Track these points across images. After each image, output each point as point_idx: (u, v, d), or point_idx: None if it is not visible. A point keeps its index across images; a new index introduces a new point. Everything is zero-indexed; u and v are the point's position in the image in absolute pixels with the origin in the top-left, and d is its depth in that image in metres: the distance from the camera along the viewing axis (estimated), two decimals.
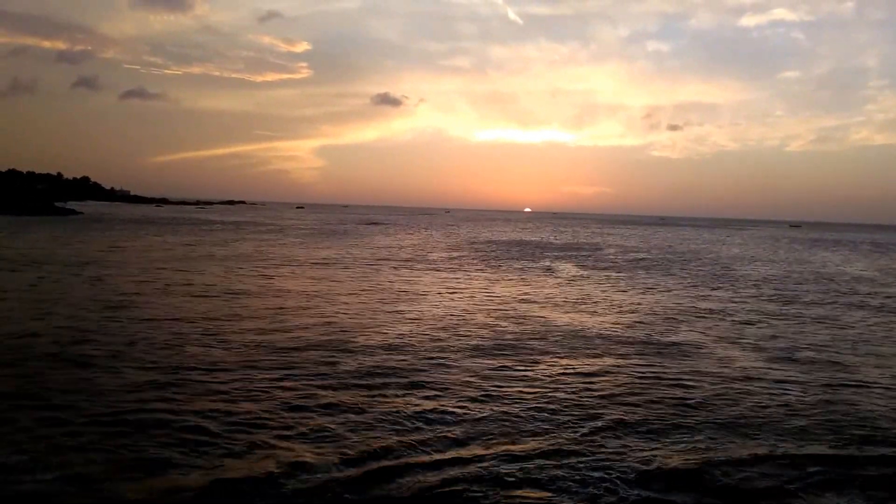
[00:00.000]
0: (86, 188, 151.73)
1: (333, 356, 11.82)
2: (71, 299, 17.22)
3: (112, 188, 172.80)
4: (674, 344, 14.27)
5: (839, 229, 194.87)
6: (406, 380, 10.42)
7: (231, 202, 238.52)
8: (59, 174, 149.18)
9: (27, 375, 9.85)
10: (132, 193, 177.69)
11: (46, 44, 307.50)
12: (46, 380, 9.66)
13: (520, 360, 12.13)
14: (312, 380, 10.22)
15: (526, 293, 22.59)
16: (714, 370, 11.85)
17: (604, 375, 11.24)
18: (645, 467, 7.15)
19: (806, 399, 10.17)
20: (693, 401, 9.80)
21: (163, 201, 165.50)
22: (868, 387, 11.07)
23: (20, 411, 8.18)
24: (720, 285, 27.43)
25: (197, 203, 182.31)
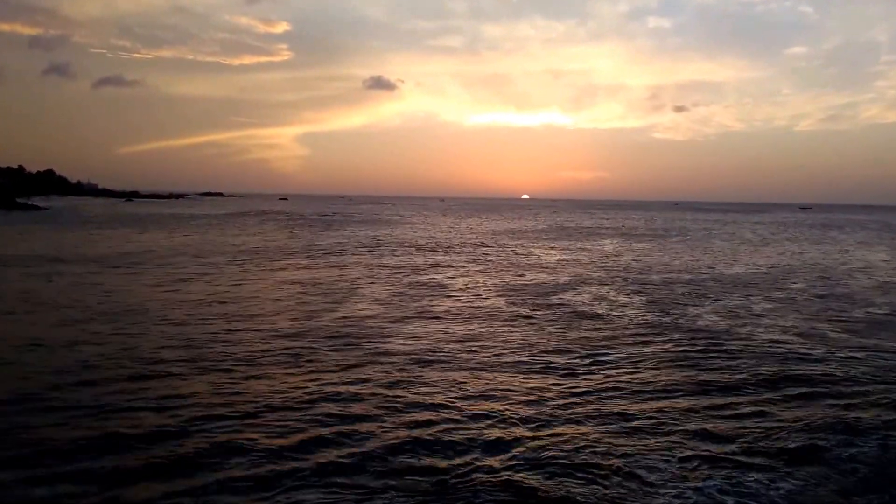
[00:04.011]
0: (50, 182, 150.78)
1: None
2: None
3: (79, 182, 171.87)
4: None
5: (852, 211, 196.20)
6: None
7: (208, 194, 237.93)
8: (21, 167, 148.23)
9: None
10: (100, 187, 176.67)
11: (5, 27, 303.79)
12: None
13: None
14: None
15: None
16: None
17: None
18: None
19: None
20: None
21: (133, 194, 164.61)
22: None
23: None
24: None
25: (170, 196, 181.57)
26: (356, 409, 9.12)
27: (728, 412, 9.19)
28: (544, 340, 13.93)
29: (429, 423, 8.50)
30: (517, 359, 12.28)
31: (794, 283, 24.59)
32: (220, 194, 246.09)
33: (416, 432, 8.15)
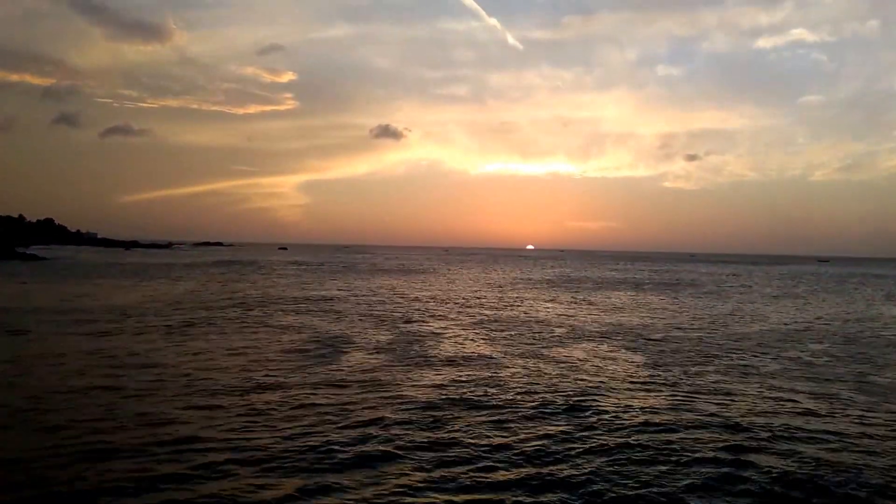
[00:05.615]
0: (50, 231, 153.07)
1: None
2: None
3: (78, 230, 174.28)
4: None
5: (873, 264, 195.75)
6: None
7: (207, 243, 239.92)
8: (21, 216, 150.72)
9: None
10: (100, 236, 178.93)
11: (14, 77, 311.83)
12: None
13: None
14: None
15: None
16: None
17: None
18: None
19: None
20: None
21: (133, 244, 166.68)
22: None
23: None
24: None
25: (170, 245, 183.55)
26: (380, 451, 9.89)
27: (746, 471, 9.41)
28: (545, 389, 14.57)
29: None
30: (521, 404, 12.90)
31: (812, 341, 24.58)
32: (220, 244, 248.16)
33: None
